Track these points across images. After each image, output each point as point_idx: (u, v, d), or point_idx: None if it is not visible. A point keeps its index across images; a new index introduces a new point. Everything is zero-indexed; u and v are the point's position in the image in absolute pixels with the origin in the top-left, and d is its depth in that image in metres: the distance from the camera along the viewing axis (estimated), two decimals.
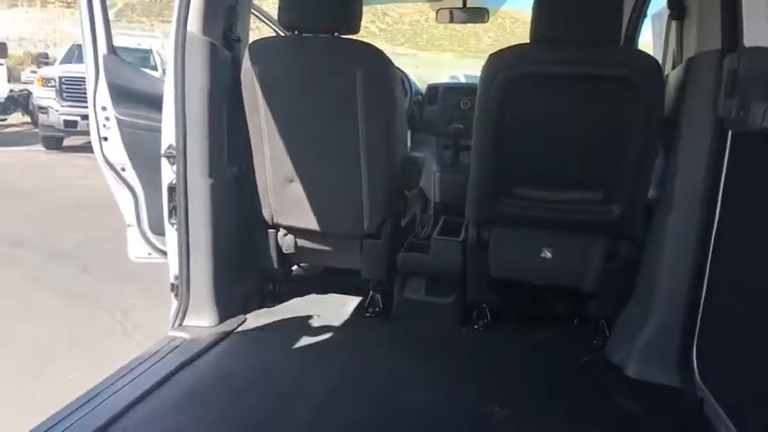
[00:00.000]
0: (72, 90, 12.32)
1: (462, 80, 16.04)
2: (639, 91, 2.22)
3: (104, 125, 3.55)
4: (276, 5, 2.58)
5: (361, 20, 2.60)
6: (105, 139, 3.53)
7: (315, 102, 2.59)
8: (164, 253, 3.66)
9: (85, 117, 12.22)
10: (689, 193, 2.28)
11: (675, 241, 2.35)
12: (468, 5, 3.83)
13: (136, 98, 3.63)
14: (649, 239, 2.50)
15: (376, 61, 2.51)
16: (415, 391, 2.26)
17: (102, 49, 3.46)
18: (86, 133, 12.49)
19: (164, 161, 2.69)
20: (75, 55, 13.70)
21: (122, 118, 3.54)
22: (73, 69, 12.76)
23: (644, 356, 2.40)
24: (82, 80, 12.57)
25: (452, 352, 2.68)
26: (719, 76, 2.13)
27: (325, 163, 2.70)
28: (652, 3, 3.34)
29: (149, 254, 3.74)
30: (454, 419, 2.10)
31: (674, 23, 2.54)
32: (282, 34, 3.98)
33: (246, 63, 2.60)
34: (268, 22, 3.71)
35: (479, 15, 3.87)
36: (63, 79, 12.37)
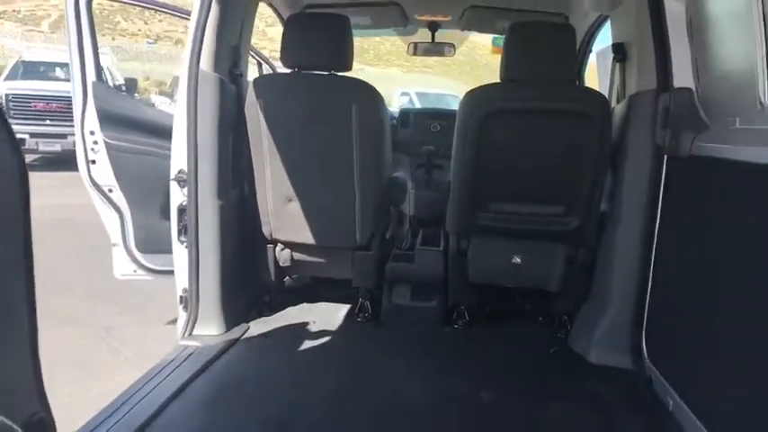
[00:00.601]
0: (19, 107, 12.05)
1: (414, 98, 16.64)
2: (593, 122, 2.68)
3: (92, 149, 3.76)
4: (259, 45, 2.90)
5: (353, 59, 2.96)
6: (93, 162, 3.74)
7: (314, 131, 2.92)
8: (150, 270, 3.88)
9: (34, 135, 12.00)
10: (633, 207, 2.74)
11: (624, 247, 2.81)
12: (435, 41, 4.27)
13: (123, 123, 3.85)
14: (602, 246, 2.96)
15: (369, 97, 2.88)
16: (409, 383, 2.61)
17: (91, 75, 3.68)
18: (35, 152, 12.23)
19: (174, 185, 2.95)
20: (20, 71, 13.42)
21: (110, 142, 3.75)
22: (19, 86, 12.49)
23: (602, 345, 2.84)
24: (31, 98, 12.34)
25: (437, 349, 3.05)
26: (656, 110, 2.60)
27: (322, 184, 3.03)
28: (596, 41, 3.87)
29: (135, 271, 3.94)
30: (448, 404, 2.46)
31: (617, 65, 3.03)
32: (272, 71, 4.31)
33: (251, 97, 2.92)
34: (261, 60, 4.02)
35: (447, 50, 4.31)
36: (10, 96, 12.09)
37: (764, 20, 1.89)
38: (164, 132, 3.87)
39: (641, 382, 2.65)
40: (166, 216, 3.91)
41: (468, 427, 2.32)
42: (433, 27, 4.20)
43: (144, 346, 4.16)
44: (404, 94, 17.40)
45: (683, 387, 2.36)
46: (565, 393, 2.58)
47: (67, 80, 12.85)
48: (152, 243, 3.84)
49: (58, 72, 13.63)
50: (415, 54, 4.38)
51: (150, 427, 2.18)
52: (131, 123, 3.90)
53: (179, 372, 2.60)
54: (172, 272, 3.73)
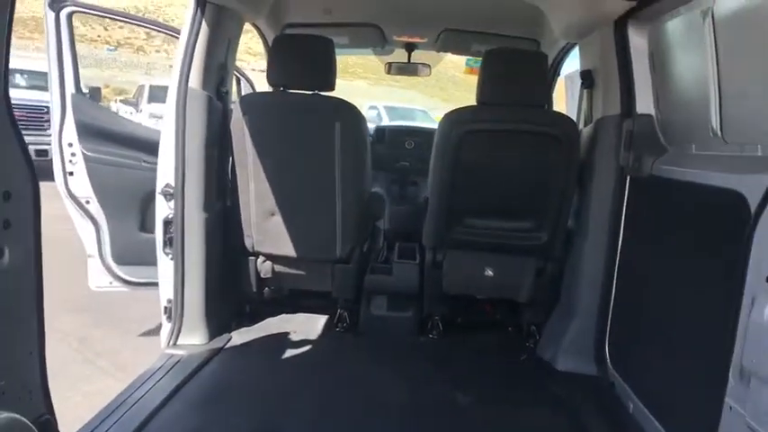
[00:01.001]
0: None
1: (383, 111, 16.89)
2: (561, 144, 2.88)
3: (71, 160, 3.80)
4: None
5: (336, 79, 3.10)
6: (71, 173, 3.78)
7: (298, 147, 3.04)
8: (126, 282, 3.91)
9: None
10: (598, 224, 2.95)
11: (589, 261, 3.00)
12: (411, 61, 4.45)
13: (101, 135, 3.89)
14: (569, 259, 3.15)
15: (351, 115, 3.02)
16: (387, 389, 2.74)
17: (71, 87, 3.72)
18: None
19: (160, 198, 3.01)
20: None
21: (88, 154, 3.79)
22: None
23: (568, 352, 3.02)
24: None
25: (413, 357, 3.18)
26: (620, 134, 2.82)
27: (305, 198, 3.14)
28: (564, 65, 4.11)
29: (110, 283, 3.97)
30: (429, 406, 2.59)
31: (585, 91, 3.25)
32: (251, 87, 4.40)
33: (237, 113, 3.02)
34: (242, 78, 4.11)
35: (423, 70, 4.49)
36: None
37: (717, 59, 2.12)
38: (141, 145, 3.92)
39: (605, 387, 2.84)
40: (143, 228, 3.96)
41: (442, 428, 2.45)
42: (410, 48, 4.38)
43: (119, 357, 4.17)
44: (371, 107, 17.59)
45: (642, 391, 2.55)
46: (534, 398, 2.75)
47: (28, 88, 12.59)
48: (128, 255, 3.87)
49: (18, 79, 13.34)
50: (390, 73, 4.54)
51: (144, 431, 2.25)
52: (109, 135, 3.94)
53: (167, 379, 2.66)
54: (148, 284, 3.77)
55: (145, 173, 3.91)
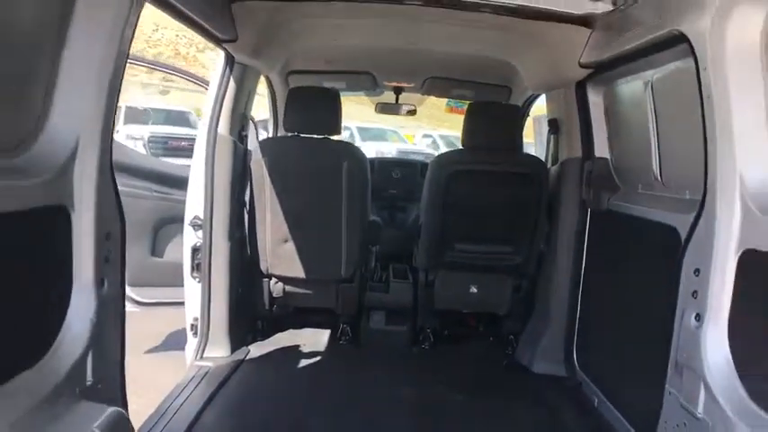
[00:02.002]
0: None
1: (355, 132, 17.52)
2: (534, 182, 3.45)
3: None
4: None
5: (341, 125, 3.61)
6: None
7: (310, 184, 3.53)
8: (137, 303, 4.30)
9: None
10: (565, 248, 3.51)
11: (558, 279, 3.56)
12: (399, 102, 5.01)
13: (116, 168, 4.29)
14: (541, 278, 3.70)
15: (357, 157, 3.54)
16: (387, 392, 3.22)
17: None
18: None
19: (188, 228, 3.44)
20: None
21: None
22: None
23: (542, 357, 3.56)
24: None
25: (408, 365, 3.68)
26: (581, 173, 3.39)
27: (315, 227, 3.62)
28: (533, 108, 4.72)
29: None
30: (425, 405, 3.08)
31: (552, 136, 3.84)
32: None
33: (257, 155, 3.50)
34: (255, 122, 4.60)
35: (409, 110, 5.05)
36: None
37: (656, 119, 2.70)
38: (151, 176, 4.32)
39: (574, 385, 3.37)
40: (154, 253, 4.35)
41: (438, 422, 2.94)
42: (398, 91, 4.94)
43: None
44: (345, 128, 18.17)
45: (604, 387, 3.09)
46: (514, 396, 3.27)
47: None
48: (140, 277, 4.26)
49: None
50: (379, 112, 5.10)
51: (196, 425, 2.67)
52: (122, 168, 4.35)
53: (201, 388, 3.09)
54: (157, 304, 4.16)
55: (156, 202, 4.32)
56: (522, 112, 4.68)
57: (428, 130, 24.47)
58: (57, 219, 1.88)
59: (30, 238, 1.78)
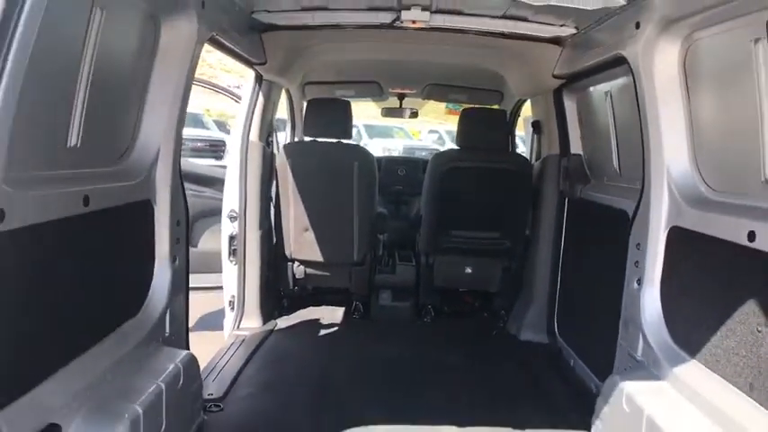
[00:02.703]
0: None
1: (363, 130, 18.13)
2: (519, 176, 4.04)
3: None
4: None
5: (352, 130, 4.21)
6: None
7: (327, 181, 4.13)
8: None
9: None
10: (547, 233, 4.09)
11: (541, 260, 4.14)
12: (403, 106, 5.64)
13: None
14: (527, 260, 4.29)
15: (366, 157, 4.15)
16: (394, 355, 3.81)
17: None
18: None
19: (225, 220, 4.05)
20: None
21: None
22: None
23: (528, 328, 4.15)
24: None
25: (412, 335, 4.28)
26: (559, 168, 3.98)
27: (331, 218, 4.22)
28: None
29: None
30: (428, 366, 3.68)
31: (535, 136, 4.43)
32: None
33: (282, 158, 4.11)
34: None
35: (412, 113, 5.67)
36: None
37: (614, 123, 3.28)
38: (188, 177, 4.92)
39: (554, 350, 3.96)
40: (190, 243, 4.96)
41: (439, 380, 3.52)
42: (401, 96, 5.56)
43: None
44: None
45: (578, 350, 3.67)
46: (504, 359, 3.87)
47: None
48: None
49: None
50: (384, 116, 5.73)
51: (238, 380, 3.28)
52: None
53: (242, 350, 3.71)
54: (193, 288, 4.78)
55: (191, 200, 4.93)
56: (512, 114, 5.27)
57: (434, 125, 24.95)
58: (145, 210, 2.50)
59: (129, 225, 2.40)
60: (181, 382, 2.45)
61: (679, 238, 2.56)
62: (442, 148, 18.46)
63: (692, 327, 2.39)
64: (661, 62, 2.51)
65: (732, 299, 2.13)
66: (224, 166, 5.69)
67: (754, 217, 2.06)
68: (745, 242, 2.06)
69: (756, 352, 2.00)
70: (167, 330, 2.63)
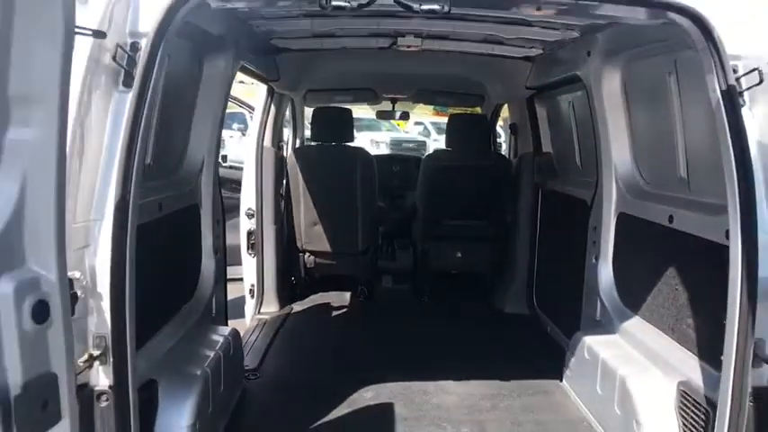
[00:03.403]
0: None
1: None
2: (500, 172, 4.67)
3: None
4: None
5: (354, 134, 4.80)
6: None
7: (332, 180, 4.72)
8: None
9: None
10: (524, 220, 4.73)
11: (521, 243, 4.78)
12: (395, 109, 6.25)
13: None
14: (508, 243, 4.93)
15: (366, 158, 4.74)
16: (396, 329, 4.42)
17: None
18: None
19: (244, 217, 4.63)
20: None
21: None
22: None
23: (511, 301, 4.80)
24: None
25: (411, 312, 4.91)
26: (533, 164, 4.61)
27: (337, 213, 4.82)
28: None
29: None
30: (426, 338, 4.30)
31: (512, 137, 5.06)
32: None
33: (292, 160, 4.69)
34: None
35: (404, 116, 6.28)
36: None
37: (576, 126, 3.90)
38: None
39: (534, 320, 4.60)
40: None
41: (433, 345, 4.13)
42: (394, 101, 6.16)
43: None
44: None
45: (553, 318, 4.31)
46: (491, 328, 4.51)
47: None
48: None
49: None
50: (378, 118, 6.32)
51: (267, 354, 3.87)
52: None
53: (265, 331, 4.30)
54: None
55: None
56: (493, 115, 5.88)
57: (420, 117, 25.53)
58: (194, 213, 3.08)
59: (184, 226, 2.99)
60: (231, 351, 3.05)
61: (624, 222, 3.20)
62: (427, 140, 19.20)
63: (635, 290, 3.04)
64: (607, 83, 3.13)
65: (659, 266, 2.78)
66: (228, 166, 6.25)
67: (672, 204, 2.71)
68: (666, 223, 2.70)
69: (675, 304, 2.65)
70: (214, 311, 3.23)
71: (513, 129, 4.97)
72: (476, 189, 4.75)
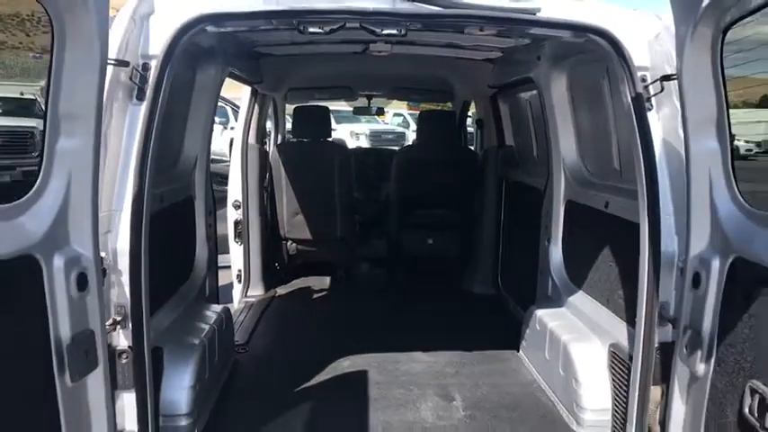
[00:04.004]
0: None
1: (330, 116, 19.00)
2: (467, 164, 5.08)
3: None
4: None
5: (331, 130, 5.18)
6: None
7: (312, 173, 5.09)
8: None
9: None
10: (489, 209, 5.15)
11: (486, 230, 5.20)
12: (371, 105, 6.62)
13: None
14: (476, 230, 5.36)
15: (344, 153, 5.13)
16: (375, 308, 4.83)
17: None
18: None
19: (231, 208, 4.98)
20: None
21: None
22: None
23: (479, 283, 5.23)
24: None
25: (387, 295, 5.31)
26: (497, 157, 5.03)
27: (317, 203, 5.19)
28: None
29: None
30: (397, 313, 4.71)
31: (479, 131, 5.47)
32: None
33: (275, 155, 5.05)
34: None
35: (379, 111, 6.66)
36: None
37: (533, 122, 4.32)
38: None
39: (499, 299, 5.04)
40: None
41: (406, 323, 4.53)
42: (370, 97, 6.54)
43: None
44: None
45: (515, 296, 4.75)
46: (459, 308, 4.94)
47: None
48: None
49: None
50: (355, 114, 6.70)
51: (255, 332, 4.25)
52: None
53: (252, 311, 4.68)
54: None
55: None
56: (462, 110, 6.30)
57: (399, 109, 25.95)
58: (190, 204, 3.44)
59: (181, 215, 3.35)
60: (224, 326, 3.43)
61: (571, 208, 3.63)
62: (407, 130, 19.63)
63: (580, 268, 3.47)
64: (555, 85, 3.55)
65: (597, 246, 3.22)
66: None
67: (608, 192, 3.14)
68: (603, 208, 3.14)
69: (609, 279, 3.09)
70: (207, 292, 3.60)
71: (479, 124, 5.38)
72: (444, 180, 5.15)
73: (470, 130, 6.97)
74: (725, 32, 1.75)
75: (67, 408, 1.74)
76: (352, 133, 18.02)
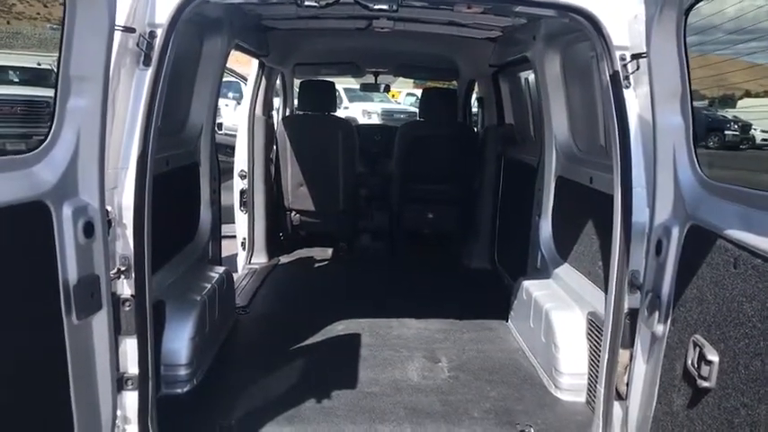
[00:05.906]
0: None
1: (343, 94, 19.04)
2: (467, 141, 5.21)
3: None
4: None
5: (336, 105, 5.31)
6: None
7: (317, 146, 5.25)
8: None
9: None
10: (488, 185, 5.28)
11: (485, 206, 5.34)
12: (377, 81, 6.74)
13: None
14: (474, 206, 5.49)
15: (348, 127, 5.26)
16: (376, 279, 5.02)
17: None
18: None
19: (237, 177, 5.16)
20: None
21: None
22: None
23: (477, 257, 5.38)
24: None
25: (387, 267, 5.49)
26: (497, 134, 5.14)
27: (320, 175, 5.35)
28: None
29: None
30: (395, 284, 4.89)
31: (480, 110, 5.57)
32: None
33: (281, 128, 5.21)
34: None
35: (385, 87, 6.78)
36: None
37: (530, 101, 4.43)
38: None
39: (495, 273, 5.20)
40: None
41: (404, 293, 4.70)
42: (376, 74, 6.65)
43: None
44: None
45: (510, 271, 4.90)
46: (457, 281, 5.10)
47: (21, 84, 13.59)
48: None
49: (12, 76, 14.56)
50: (362, 90, 6.81)
51: (256, 296, 4.45)
52: None
53: (255, 277, 4.88)
54: None
55: None
56: (467, 91, 6.39)
57: (412, 89, 25.90)
58: (195, 169, 3.62)
59: (187, 180, 3.53)
60: (225, 286, 3.62)
61: (561, 184, 3.76)
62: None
63: (566, 241, 3.61)
64: (549, 64, 3.65)
65: (582, 220, 3.35)
66: None
67: (594, 168, 3.26)
68: (588, 184, 3.26)
69: (590, 251, 3.23)
70: (210, 255, 3.79)
71: (481, 102, 5.49)
72: (445, 156, 5.28)
73: (476, 109, 7.06)
74: (687, 14, 1.86)
75: (73, 344, 1.93)
76: (364, 112, 18.12)
